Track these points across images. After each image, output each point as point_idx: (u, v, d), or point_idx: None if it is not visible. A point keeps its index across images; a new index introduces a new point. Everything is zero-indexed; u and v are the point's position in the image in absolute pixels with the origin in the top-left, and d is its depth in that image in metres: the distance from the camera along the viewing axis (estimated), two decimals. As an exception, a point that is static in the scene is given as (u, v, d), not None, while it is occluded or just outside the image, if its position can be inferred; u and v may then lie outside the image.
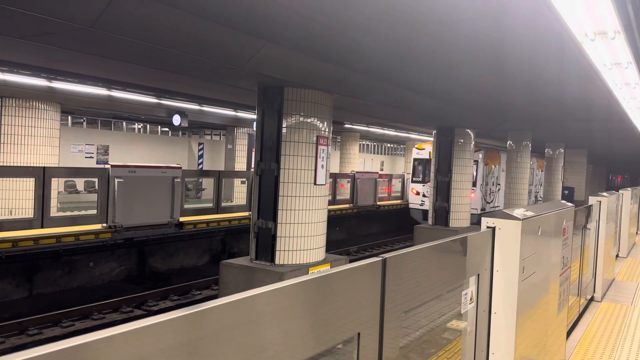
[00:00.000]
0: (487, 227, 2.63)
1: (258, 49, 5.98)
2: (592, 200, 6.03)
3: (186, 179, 12.86)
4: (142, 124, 21.19)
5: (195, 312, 1.04)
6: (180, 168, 10.43)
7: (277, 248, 7.58)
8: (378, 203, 16.67)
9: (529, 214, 2.80)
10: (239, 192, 15.96)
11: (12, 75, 8.53)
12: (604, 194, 6.41)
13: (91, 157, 16.59)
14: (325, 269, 1.51)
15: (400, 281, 1.77)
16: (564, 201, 4.15)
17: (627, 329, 4.90)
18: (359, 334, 1.53)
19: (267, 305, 1.24)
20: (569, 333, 4.55)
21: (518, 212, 2.72)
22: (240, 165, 17.37)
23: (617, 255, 8.27)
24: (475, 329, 2.54)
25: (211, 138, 23.62)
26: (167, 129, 22.17)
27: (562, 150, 20.14)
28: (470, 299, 2.44)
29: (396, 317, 1.74)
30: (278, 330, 1.27)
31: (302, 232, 7.65)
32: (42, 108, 11.31)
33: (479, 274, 2.50)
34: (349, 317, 1.52)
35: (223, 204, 12.46)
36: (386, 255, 1.67)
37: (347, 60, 6.88)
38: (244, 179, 14.51)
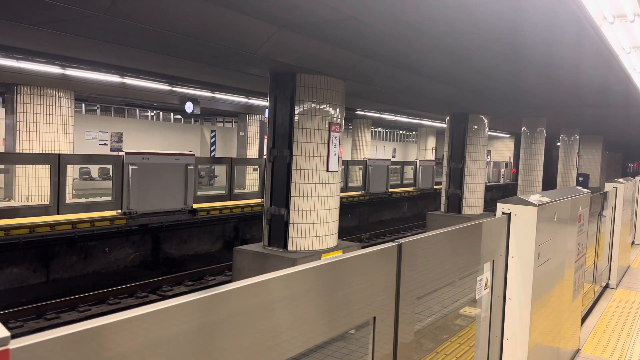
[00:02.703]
0: (503, 213, 2.62)
1: (270, 35, 5.95)
2: (608, 186, 5.96)
3: (199, 166, 12.91)
4: (155, 112, 21.28)
5: (211, 296, 1.05)
6: (193, 155, 10.47)
7: (290, 234, 7.60)
8: (390, 190, 16.63)
9: (545, 200, 2.77)
10: (251, 179, 16.00)
11: (26, 63, 8.59)
12: (620, 180, 6.32)
13: (105, 144, 16.72)
14: (339, 255, 1.51)
15: (415, 266, 1.77)
16: (579, 187, 4.10)
17: (642, 316, 4.86)
18: (374, 318, 1.53)
19: (284, 289, 1.24)
20: (583, 319, 4.53)
21: (534, 198, 2.69)
22: (252, 152, 17.39)
23: (632, 243, 8.19)
24: (489, 314, 2.54)
25: (223, 125, 23.65)
26: (179, 117, 22.24)
27: (577, 137, 19.88)
28: (485, 285, 2.43)
29: (411, 302, 1.74)
30: (294, 314, 1.28)
31: (315, 219, 7.67)
32: (57, 95, 11.39)
33: (494, 260, 2.49)
34: (364, 302, 1.52)
35: (235, 191, 12.51)
36: (402, 241, 1.67)
37: (360, 46, 6.82)
38: (256, 166, 14.54)
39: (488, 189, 20.54)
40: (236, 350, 1.12)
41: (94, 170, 15.86)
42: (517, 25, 5.33)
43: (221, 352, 1.09)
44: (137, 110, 20.32)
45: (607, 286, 5.90)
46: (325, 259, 1.45)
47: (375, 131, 29.46)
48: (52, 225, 8.32)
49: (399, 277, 1.64)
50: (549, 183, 20.86)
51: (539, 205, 2.58)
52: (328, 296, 1.41)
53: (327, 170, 7.76)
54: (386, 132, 31.73)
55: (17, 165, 10.82)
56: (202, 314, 1.04)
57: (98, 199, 10.70)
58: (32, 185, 10.94)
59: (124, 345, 0.89)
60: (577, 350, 3.94)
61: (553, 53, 6.72)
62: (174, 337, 0.98)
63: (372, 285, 1.56)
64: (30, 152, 11.02)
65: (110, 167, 9.92)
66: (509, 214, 2.59)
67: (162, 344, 0.96)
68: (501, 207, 2.62)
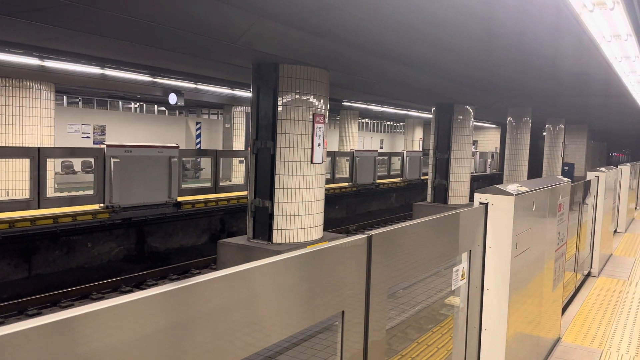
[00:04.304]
0: (480, 202, 2.59)
1: (251, 24, 5.86)
2: (590, 175, 5.99)
3: (184, 159, 12.79)
4: (138, 104, 21.03)
5: (179, 289, 1.03)
6: (177, 147, 10.35)
7: (274, 227, 7.56)
8: (377, 181, 16.63)
9: (523, 189, 2.75)
10: (237, 172, 15.91)
11: (3, 55, 8.39)
12: (602, 169, 6.36)
13: (88, 137, 16.50)
14: (309, 248, 1.47)
15: (387, 259, 1.73)
16: (560, 176, 4.10)
17: (623, 303, 4.90)
18: (342, 312, 1.49)
19: (242, 285, 1.20)
20: (565, 308, 4.55)
21: (511, 187, 2.67)
22: (238, 144, 17.27)
23: (615, 231, 8.26)
24: (467, 305, 2.52)
25: (209, 117, 23.46)
26: (163, 109, 22.01)
27: (563, 126, 20.02)
28: (462, 276, 2.41)
29: (383, 296, 1.70)
30: (257, 309, 1.24)
31: (299, 211, 7.62)
32: (36, 88, 11.19)
33: (471, 250, 2.47)
34: (331, 295, 1.48)
35: (221, 184, 12.42)
36: (372, 232, 1.63)
37: (342, 36, 6.76)
38: (242, 158, 14.45)
39: (475, 179, 20.66)
40: (205, 342, 1.09)
41: (77, 163, 15.66)
42: (494, 13, 5.30)
43: (190, 344, 1.05)
44: (120, 102, 20.06)
45: (589, 274, 5.94)
46: (294, 251, 1.40)
47: (363, 122, 29.43)
48: (32, 220, 8.18)
49: (370, 270, 1.60)
50: (535, 172, 21.01)
51: (516, 194, 2.56)
52: (293, 289, 1.37)
53: (312, 162, 7.72)
54: (374, 123, 31.72)
55: (-4, 159, 10.62)
56: (171, 306, 1.03)
57: (80, 192, 10.55)
58: (13, 180, 10.76)
59: (97, 341, 0.85)
60: (558, 339, 3.95)
61: (531, 42, 6.71)
62: (147, 327, 0.97)
63: (340, 278, 1.52)
64: (10, 145, 10.82)
65: (92, 160, 9.78)
66: (487, 204, 2.57)
67: (135, 337, 0.94)
68: (478, 197, 2.60)
